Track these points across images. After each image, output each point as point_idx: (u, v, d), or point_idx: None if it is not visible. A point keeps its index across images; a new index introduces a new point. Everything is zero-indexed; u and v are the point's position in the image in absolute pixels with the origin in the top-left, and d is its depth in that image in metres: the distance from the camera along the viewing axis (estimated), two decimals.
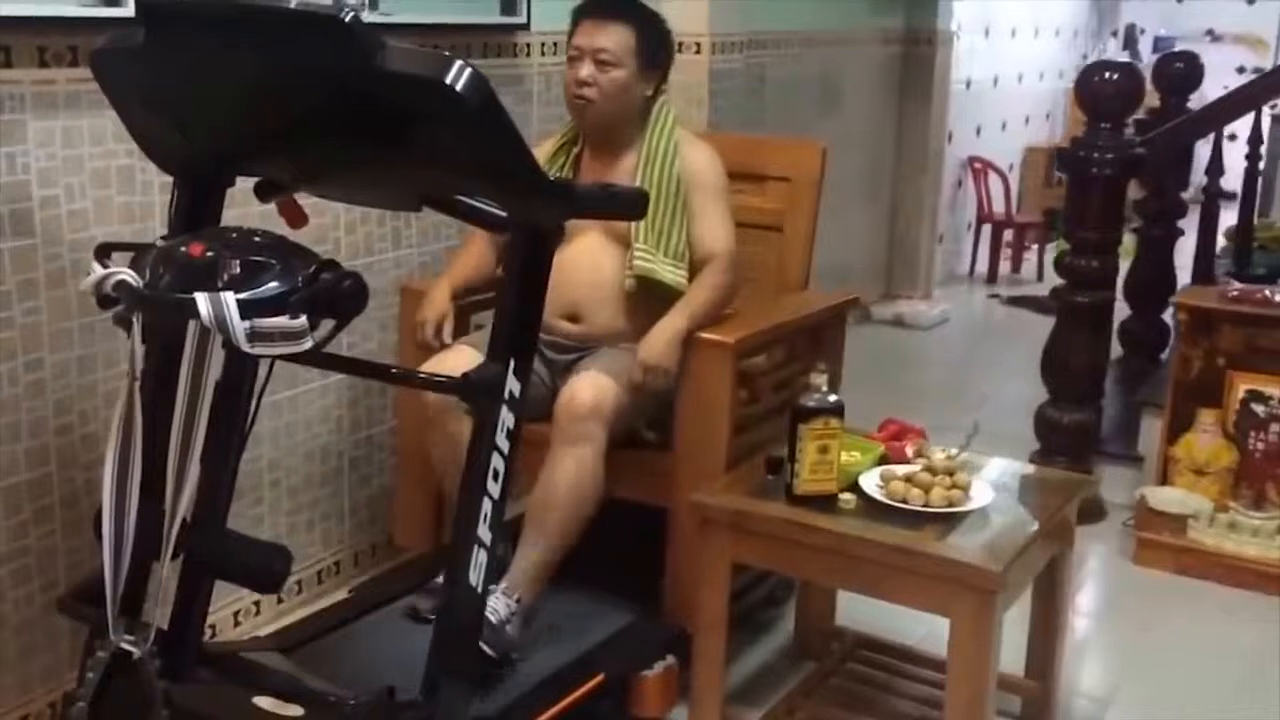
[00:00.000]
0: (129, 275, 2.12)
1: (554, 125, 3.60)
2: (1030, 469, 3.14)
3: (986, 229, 8.58)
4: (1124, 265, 5.71)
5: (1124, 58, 11.28)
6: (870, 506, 2.82)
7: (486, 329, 2.69)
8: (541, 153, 3.34)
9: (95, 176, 2.81)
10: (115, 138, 2.66)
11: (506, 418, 2.28)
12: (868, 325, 7.18)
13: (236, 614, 3.34)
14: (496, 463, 2.28)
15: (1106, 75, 4.37)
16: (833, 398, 2.82)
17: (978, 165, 8.47)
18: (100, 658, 2.29)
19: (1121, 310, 5.83)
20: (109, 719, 2.33)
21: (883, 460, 3.00)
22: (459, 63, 2.05)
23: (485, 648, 2.83)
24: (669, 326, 3.08)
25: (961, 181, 8.40)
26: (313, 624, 3.12)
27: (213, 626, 3.24)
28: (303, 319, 2.11)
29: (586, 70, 3.19)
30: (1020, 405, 4.65)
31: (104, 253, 2.24)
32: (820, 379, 2.83)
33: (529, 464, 3.29)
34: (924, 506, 2.78)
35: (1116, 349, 5.83)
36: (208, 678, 2.42)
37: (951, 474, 2.85)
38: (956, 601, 2.61)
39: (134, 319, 2.14)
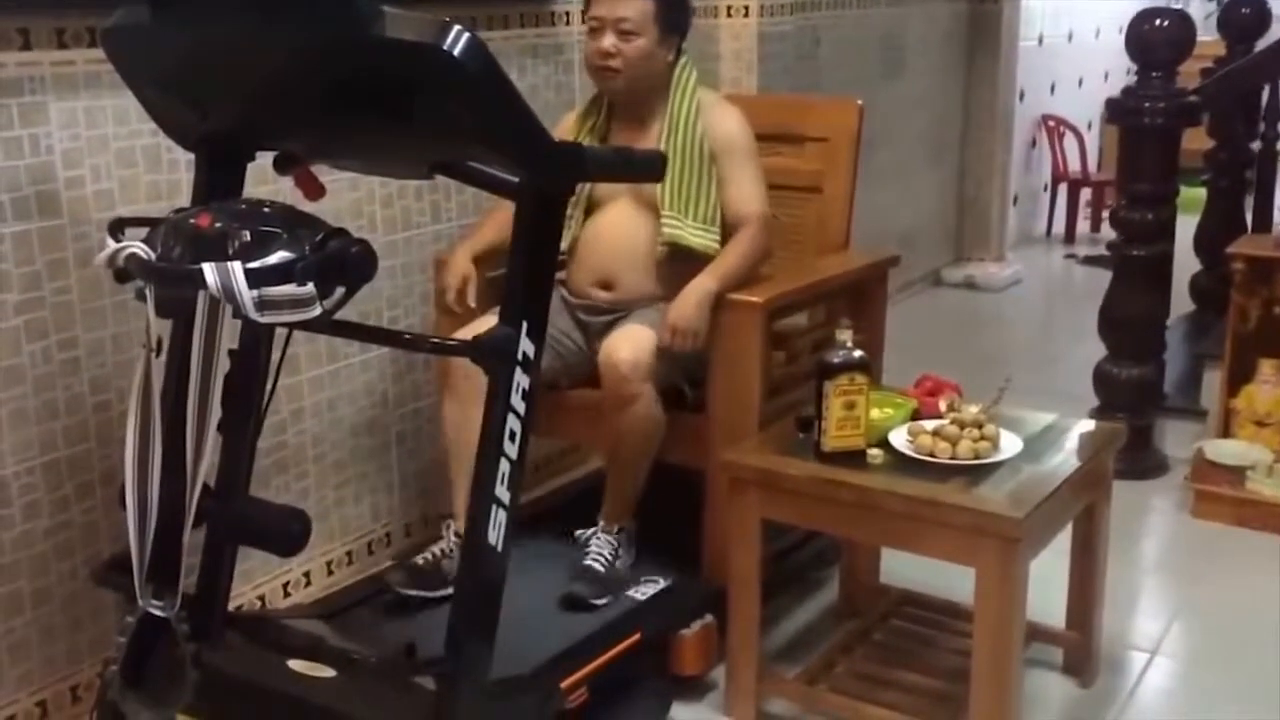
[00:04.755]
0: (140, 248, 2.16)
1: None
2: (1066, 421, 3.08)
3: (1063, 189, 8.48)
4: (1194, 219, 5.66)
5: (1210, 8, 11.07)
6: (898, 461, 2.81)
7: None
8: (566, 124, 3.37)
9: (120, 156, 2.85)
10: (139, 117, 2.67)
11: (521, 379, 2.29)
12: (939, 289, 7.14)
13: (286, 585, 3.39)
14: (513, 424, 2.28)
15: (1157, 23, 4.28)
16: (858, 353, 2.80)
17: (1052, 123, 8.35)
18: (129, 622, 2.35)
19: (1193, 264, 5.77)
20: (144, 682, 2.38)
21: (915, 416, 2.99)
22: (456, 27, 2.06)
23: (599, 600, 3.08)
24: (698, 288, 3.08)
25: (1036, 141, 8.29)
26: (354, 592, 3.18)
27: (261, 598, 3.31)
28: (310, 286, 2.12)
29: (609, 41, 3.18)
30: (1089, 365, 4.58)
31: (118, 227, 2.28)
32: (845, 335, 2.81)
33: (578, 428, 3.38)
34: (951, 459, 2.77)
35: (1188, 303, 5.77)
36: (237, 641, 2.47)
37: (980, 427, 2.83)
38: (981, 551, 2.60)
39: (148, 291, 2.19)
